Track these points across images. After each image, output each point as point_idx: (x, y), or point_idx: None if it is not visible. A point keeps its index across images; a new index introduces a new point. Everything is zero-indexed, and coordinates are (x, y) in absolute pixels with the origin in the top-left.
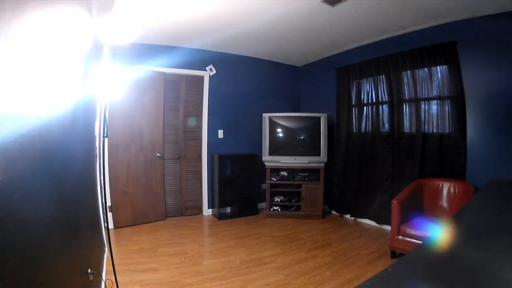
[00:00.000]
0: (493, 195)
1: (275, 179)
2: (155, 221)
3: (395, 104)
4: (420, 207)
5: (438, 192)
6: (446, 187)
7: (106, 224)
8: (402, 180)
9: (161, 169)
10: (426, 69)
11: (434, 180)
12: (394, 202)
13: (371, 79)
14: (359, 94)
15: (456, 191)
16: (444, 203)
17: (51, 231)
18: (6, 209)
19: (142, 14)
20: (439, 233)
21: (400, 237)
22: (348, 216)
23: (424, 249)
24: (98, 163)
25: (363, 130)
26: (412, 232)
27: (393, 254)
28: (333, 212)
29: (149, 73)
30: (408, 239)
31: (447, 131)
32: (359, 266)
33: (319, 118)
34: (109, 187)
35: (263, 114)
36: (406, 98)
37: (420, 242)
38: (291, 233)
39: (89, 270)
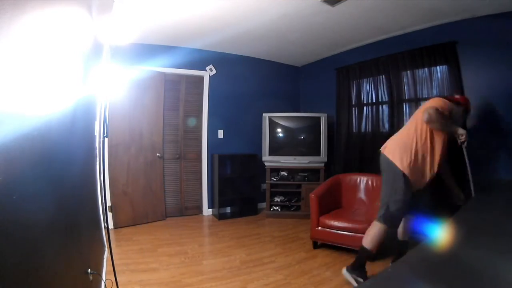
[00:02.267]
0: (492, 195)
1: (275, 179)
2: (155, 221)
3: (395, 104)
4: (338, 200)
5: (356, 186)
6: (364, 181)
7: (106, 224)
8: None
9: (161, 169)
10: (426, 69)
11: (352, 175)
12: (312, 195)
13: (371, 79)
14: (359, 94)
15: (374, 184)
16: (362, 195)
17: (51, 231)
18: (6, 209)
19: (142, 14)
20: None
21: (319, 228)
22: None
23: (424, 249)
24: (98, 163)
25: (363, 130)
26: (331, 223)
27: (315, 245)
28: None
29: (149, 73)
30: (327, 229)
31: None
32: None
33: (319, 118)
34: (109, 187)
35: (263, 114)
36: (406, 98)
37: (338, 232)
38: (291, 233)
39: (89, 270)
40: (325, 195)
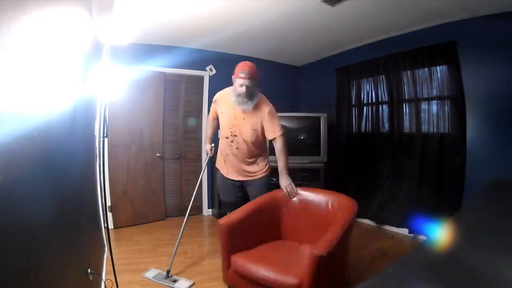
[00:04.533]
0: (493, 195)
1: (275, 179)
2: (155, 221)
3: (395, 104)
4: (276, 227)
5: (304, 207)
6: (316, 200)
7: (106, 224)
8: (402, 180)
9: (161, 169)
10: (426, 69)
11: (300, 189)
12: (221, 223)
13: (371, 79)
14: (359, 94)
15: (331, 205)
16: (313, 222)
17: (51, 231)
18: (5, 210)
19: (142, 14)
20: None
21: (232, 271)
22: None
23: (424, 249)
24: (98, 163)
25: (363, 130)
26: (247, 267)
27: None
28: None
29: (149, 73)
30: (243, 277)
31: (447, 131)
32: (359, 266)
33: (319, 118)
34: (109, 187)
35: None
36: (406, 98)
37: (260, 283)
38: None
39: (89, 270)
40: (250, 221)
